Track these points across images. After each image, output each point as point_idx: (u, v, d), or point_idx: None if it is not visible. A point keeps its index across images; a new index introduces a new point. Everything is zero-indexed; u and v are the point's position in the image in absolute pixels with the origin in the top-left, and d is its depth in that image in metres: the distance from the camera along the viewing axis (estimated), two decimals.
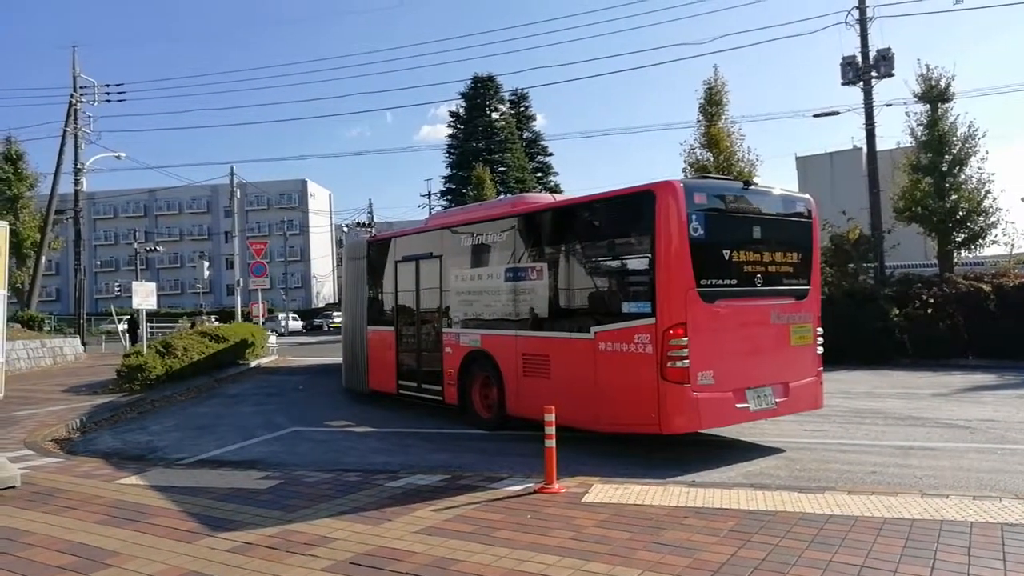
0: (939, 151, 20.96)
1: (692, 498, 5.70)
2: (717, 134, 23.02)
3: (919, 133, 21.38)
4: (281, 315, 56.65)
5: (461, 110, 53.61)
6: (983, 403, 11.06)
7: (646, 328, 7.34)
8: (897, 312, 17.56)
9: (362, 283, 13.43)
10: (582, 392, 7.96)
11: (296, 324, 58.26)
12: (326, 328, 56.56)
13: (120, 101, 31.54)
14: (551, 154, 56.73)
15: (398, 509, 5.61)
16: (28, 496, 6.43)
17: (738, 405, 7.53)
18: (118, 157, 31.80)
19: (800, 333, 8.25)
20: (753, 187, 8.26)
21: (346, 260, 14.84)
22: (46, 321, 27.16)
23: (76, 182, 29.28)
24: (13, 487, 6.70)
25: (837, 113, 22.97)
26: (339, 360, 15.37)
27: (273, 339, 26.35)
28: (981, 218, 20.88)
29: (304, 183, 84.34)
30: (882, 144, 22.46)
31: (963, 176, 21.05)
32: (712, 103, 23.43)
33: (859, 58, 21.48)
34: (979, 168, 20.99)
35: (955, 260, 22.01)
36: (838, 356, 16.06)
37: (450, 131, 54.16)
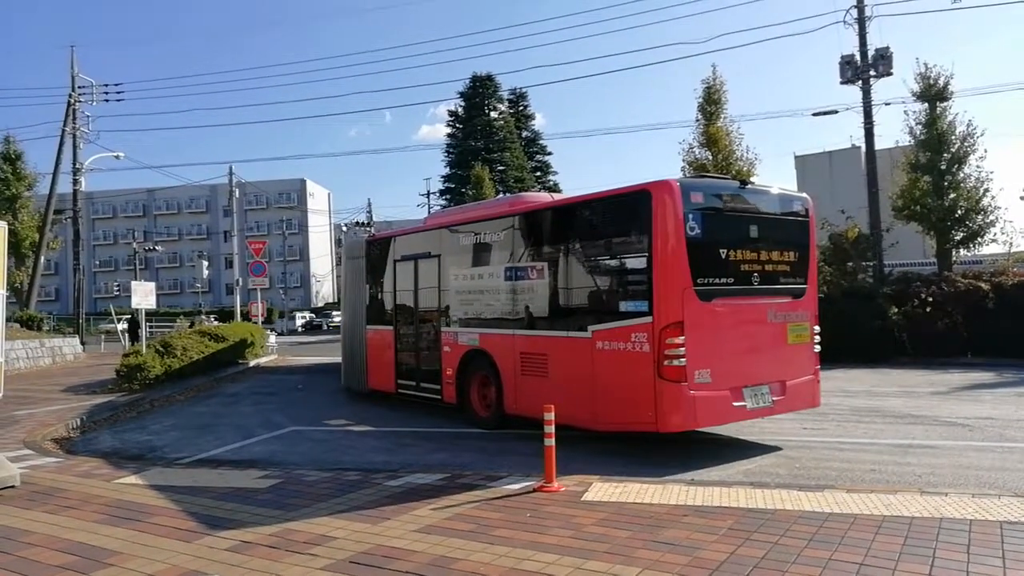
0: (938, 150, 20.98)
1: (691, 496, 5.70)
2: (716, 133, 23.04)
3: (918, 132, 21.40)
4: (299, 314, 56.70)
5: (460, 109, 53.66)
6: (982, 401, 11.07)
7: (643, 327, 7.36)
8: (896, 311, 17.58)
9: (361, 282, 13.44)
10: (580, 391, 7.97)
11: (302, 320, 58.10)
12: (325, 327, 56.56)
13: (118, 101, 31.51)
14: (550, 153, 56.86)
15: (397, 508, 5.61)
16: (28, 495, 6.43)
17: (735, 403, 7.55)
18: (117, 157, 31.79)
19: (797, 332, 8.26)
20: (750, 186, 8.26)
21: (345, 260, 14.86)
22: (45, 321, 27.16)
23: (75, 182, 29.29)
24: (13, 487, 6.70)
25: (836, 112, 23.03)
26: (338, 359, 15.38)
27: (272, 338, 26.35)
28: (980, 216, 20.90)
29: (303, 182, 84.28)
30: (881, 143, 22.53)
31: (962, 175, 21.07)
32: (711, 102, 23.44)
33: (858, 57, 21.49)
34: (978, 166, 21.04)
35: (954, 259, 22.03)
36: (837, 355, 16.09)
37: (449, 130, 54.29)
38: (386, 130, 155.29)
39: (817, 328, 8.57)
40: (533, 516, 5.30)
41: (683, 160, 23.65)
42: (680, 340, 7.12)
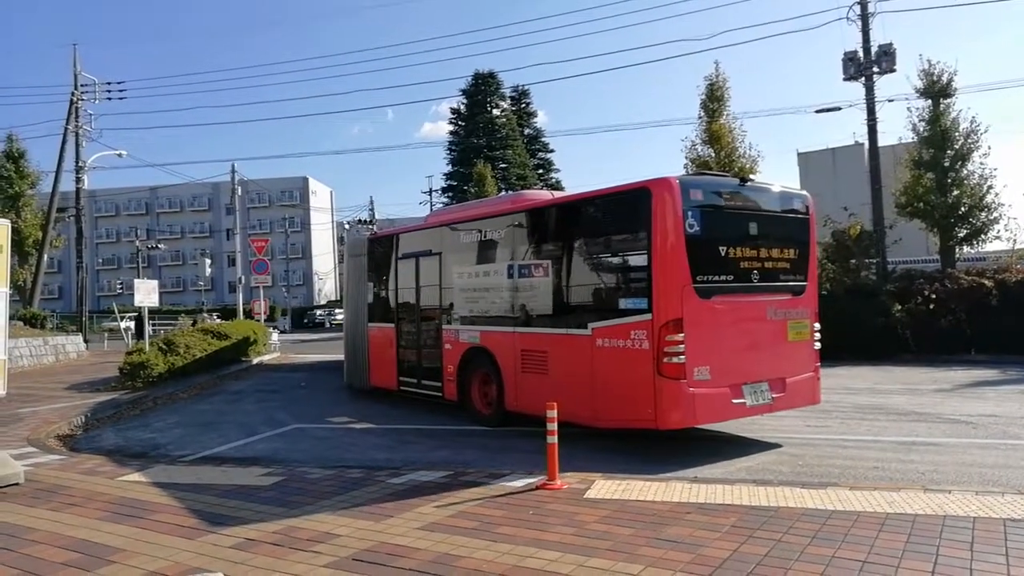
0: (941, 146, 20.91)
1: (694, 494, 5.70)
2: (719, 130, 23.00)
3: (921, 128, 21.33)
4: (318, 312, 56.24)
5: (462, 107, 53.64)
6: (985, 398, 11.05)
7: (643, 324, 7.37)
8: (899, 308, 17.56)
9: (363, 280, 13.47)
10: (580, 388, 7.98)
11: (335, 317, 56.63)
12: (328, 325, 56.57)
13: (121, 99, 31.50)
14: (552, 151, 56.79)
15: (400, 505, 5.62)
16: (31, 493, 6.45)
17: (734, 400, 7.56)
18: (119, 155, 31.84)
19: (797, 329, 8.28)
20: (750, 183, 8.25)
21: (348, 257, 14.89)
22: (48, 319, 27.21)
23: (78, 180, 29.29)
24: (17, 484, 6.71)
25: (839, 109, 22.96)
26: (341, 357, 15.39)
27: (275, 336, 26.38)
28: (983, 213, 20.83)
29: (306, 180, 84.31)
30: (884, 140, 22.44)
31: (965, 171, 21.00)
32: (713, 99, 23.40)
33: (861, 53, 21.43)
34: (981, 163, 20.95)
35: (957, 256, 21.96)
36: (840, 352, 16.10)
37: (451, 128, 54.22)
38: (388, 128, 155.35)
39: (817, 325, 8.57)
40: (536, 514, 5.30)
41: (686, 157, 23.65)
42: (679, 337, 7.13)
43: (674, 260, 7.27)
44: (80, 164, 29.21)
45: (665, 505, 5.42)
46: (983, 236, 21.16)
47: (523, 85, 57.31)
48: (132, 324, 39.23)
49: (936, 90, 20.91)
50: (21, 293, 28.27)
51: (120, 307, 42.10)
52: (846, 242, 20.05)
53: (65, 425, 10.77)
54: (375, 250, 13.21)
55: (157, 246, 62.97)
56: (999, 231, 20.98)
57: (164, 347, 16.08)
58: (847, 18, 21.74)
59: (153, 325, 34.57)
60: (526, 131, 55.27)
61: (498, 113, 53.04)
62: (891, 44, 21.22)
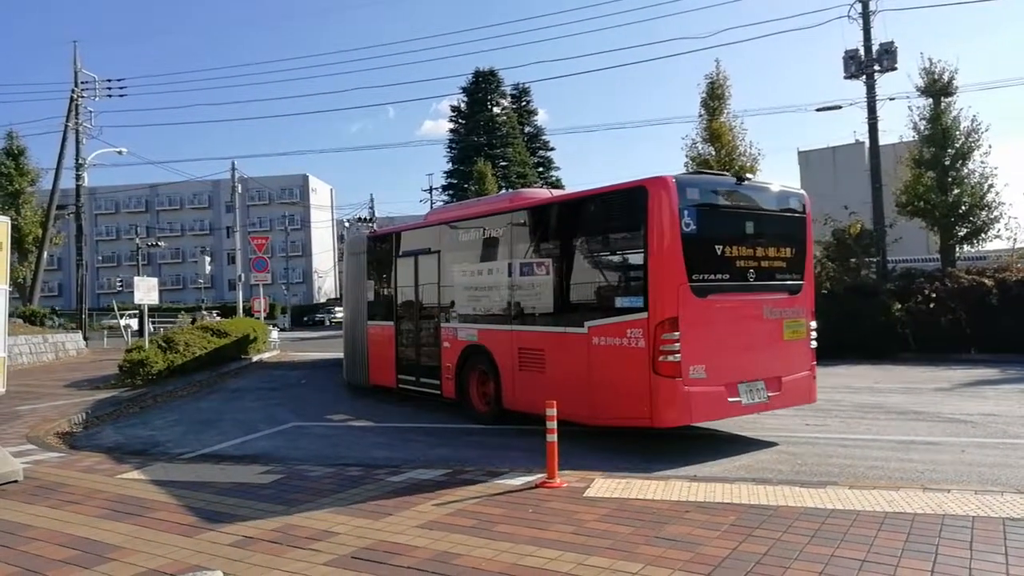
0: (942, 145, 20.89)
1: (694, 492, 5.70)
2: (719, 128, 22.98)
3: (922, 127, 21.30)
4: (339, 309, 56.17)
5: (463, 105, 53.57)
6: (985, 397, 11.05)
7: (638, 322, 7.39)
8: (899, 307, 17.56)
9: (363, 278, 13.50)
10: (576, 386, 8.00)
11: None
12: (327, 323, 56.59)
13: (121, 96, 31.41)
14: (552, 149, 56.73)
15: (399, 503, 5.61)
16: (31, 490, 6.45)
17: (730, 399, 7.58)
18: (119, 152, 31.85)
19: (793, 328, 8.30)
20: (747, 182, 8.26)
21: (347, 255, 14.92)
22: (47, 317, 27.19)
23: (78, 177, 29.30)
24: (16, 481, 6.71)
25: (839, 107, 22.89)
26: (340, 355, 15.40)
27: (275, 334, 26.38)
28: (984, 213, 20.81)
29: (306, 178, 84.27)
30: (885, 138, 22.41)
31: (966, 170, 20.97)
32: (714, 97, 23.37)
33: (862, 52, 21.40)
34: (982, 162, 20.93)
35: (957, 255, 21.94)
36: (840, 350, 16.12)
37: (452, 126, 54.14)
38: (389, 126, 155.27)
39: (814, 324, 8.59)
40: (535, 512, 5.30)
41: (686, 155, 23.61)
42: (675, 336, 7.15)
43: (670, 259, 7.29)
44: (80, 161, 29.21)
45: (664, 503, 5.42)
46: (983, 235, 21.14)
47: (524, 83, 57.43)
48: (133, 321, 39.28)
49: (937, 88, 20.88)
50: (21, 290, 28.26)
51: (120, 305, 42.11)
52: (847, 241, 20.05)
53: (64, 423, 10.77)
54: (374, 248, 13.24)
55: (157, 244, 62.98)
56: (999, 230, 20.98)
57: (164, 345, 16.08)
58: (848, 16, 21.73)
59: (153, 323, 34.59)
60: (526, 129, 55.18)
61: (498, 111, 52.97)
62: (892, 42, 21.21)
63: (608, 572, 4.07)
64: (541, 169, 54.09)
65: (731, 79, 23.59)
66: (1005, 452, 7.44)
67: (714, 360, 7.44)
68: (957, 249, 21.75)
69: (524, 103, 55.95)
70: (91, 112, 29.96)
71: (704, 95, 23.53)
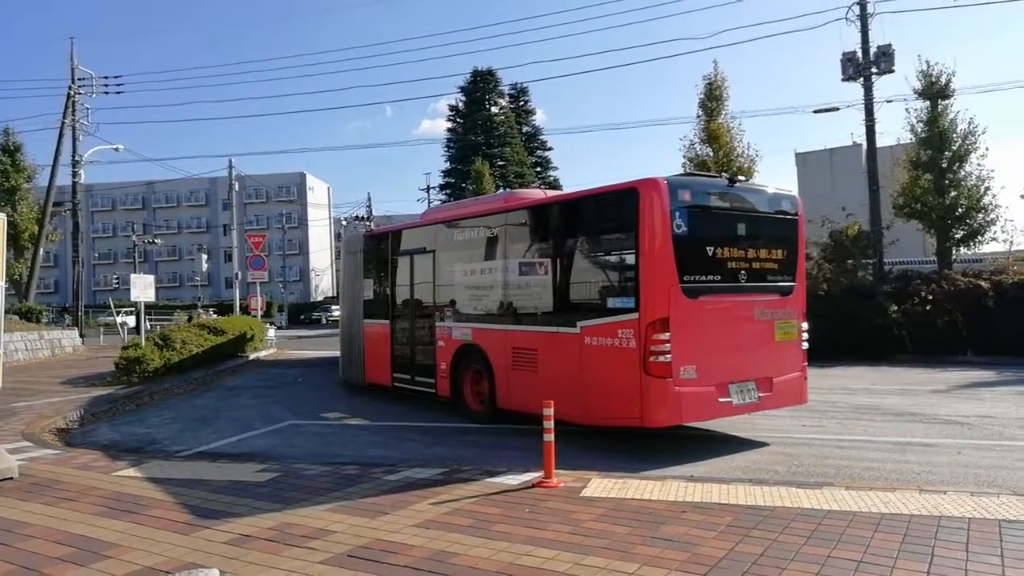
0: (939, 148, 20.95)
1: (690, 493, 5.70)
2: (717, 129, 23.01)
3: (919, 129, 21.36)
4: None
5: (460, 104, 53.50)
6: (981, 399, 11.08)
7: (630, 323, 7.43)
8: (896, 308, 17.59)
9: (359, 277, 13.55)
10: (568, 386, 8.02)
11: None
12: (324, 321, 56.51)
13: (118, 93, 31.24)
14: (550, 148, 56.67)
15: (396, 502, 5.61)
16: (26, 487, 6.43)
17: (720, 399, 7.62)
18: (116, 149, 31.73)
19: (785, 329, 8.34)
20: (738, 184, 8.30)
21: (344, 254, 14.96)
22: (44, 313, 27.13)
23: (74, 174, 29.22)
24: (11, 478, 6.69)
25: (837, 109, 22.95)
26: (337, 353, 15.39)
27: (271, 332, 26.35)
28: (980, 215, 20.88)
29: (303, 176, 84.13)
30: (882, 140, 22.49)
31: (963, 173, 21.05)
32: (712, 98, 23.40)
33: (859, 54, 21.44)
34: (979, 165, 21.01)
35: (954, 257, 22.02)
36: (836, 352, 16.15)
37: (450, 125, 54.08)
38: (386, 124, 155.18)
39: (805, 325, 8.63)
40: (532, 511, 5.30)
41: (684, 156, 23.67)
42: (665, 337, 7.19)
43: (661, 260, 7.34)
44: (77, 158, 29.14)
45: (661, 504, 5.42)
46: (980, 237, 21.22)
47: (522, 83, 57.34)
48: (130, 319, 39.18)
49: (934, 91, 20.93)
50: (17, 287, 28.18)
51: (117, 302, 42.01)
52: (844, 242, 20.08)
53: (60, 420, 10.74)
54: (370, 247, 13.29)
55: (154, 241, 62.84)
56: (996, 232, 21.08)
57: (160, 342, 16.04)
58: (846, 18, 21.79)
59: (149, 320, 34.50)
60: (524, 129, 55.14)
61: (496, 111, 52.92)
62: (890, 45, 21.26)
63: (605, 572, 4.07)
64: (539, 169, 54.06)
65: (729, 80, 23.69)
66: (1001, 454, 7.46)
67: (705, 361, 7.48)
68: (954, 251, 21.83)
69: (522, 103, 55.92)
70: (88, 109, 29.90)
71: (702, 96, 23.58)
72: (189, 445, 9.06)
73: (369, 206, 55.48)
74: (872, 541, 4.48)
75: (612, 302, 7.80)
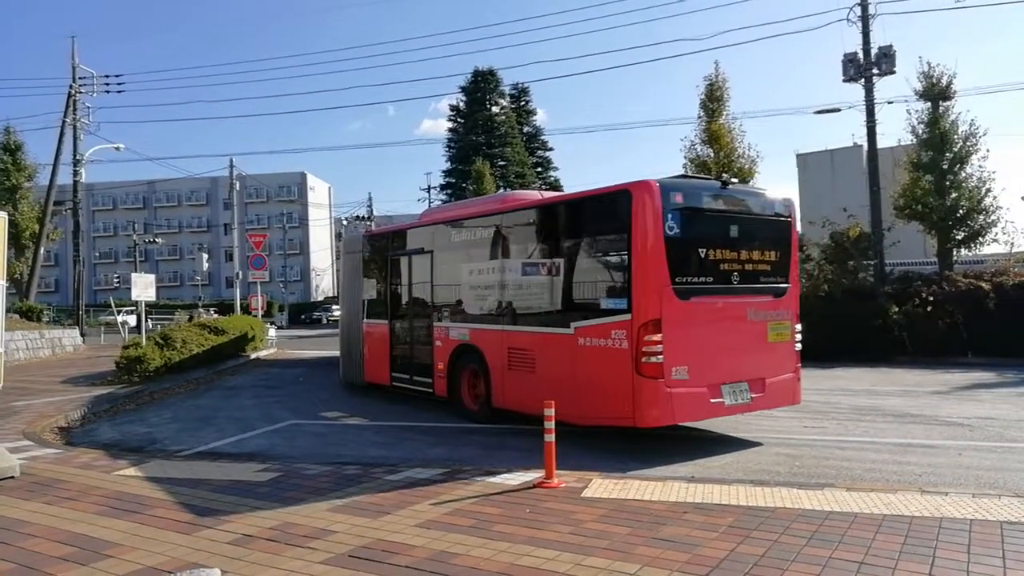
0: (940, 149, 20.94)
1: (691, 494, 5.70)
2: (718, 130, 22.99)
3: (920, 131, 21.36)
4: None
5: (461, 104, 53.46)
6: (982, 401, 11.07)
7: (622, 324, 7.48)
8: (896, 310, 17.58)
9: (358, 277, 13.60)
10: (562, 386, 8.05)
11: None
12: (325, 321, 56.53)
13: (119, 92, 31.23)
14: (551, 149, 56.60)
15: (397, 502, 5.61)
16: (27, 486, 6.43)
17: (712, 400, 7.67)
18: (117, 148, 31.73)
19: (778, 330, 8.38)
20: (731, 187, 8.34)
21: (344, 254, 15.02)
22: (45, 312, 27.13)
23: (75, 173, 29.21)
24: (12, 477, 6.69)
25: (838, 110, 22.89)
26: (337, 353, 15.40)
27: (272, 332, 26.35)
28: (981, 216, 20.87)
29: (304, 176, 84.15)
30: (883, 141, 22.42)
31: (964, 174, 21.04)
32: (713, 99, 23.38)
33: (861, 55, 21.41)
34: (980, 166, 21.01)
35: (955, 258, 22.00)
36: (837, 353, 16.16)
37: (451, 125, 54.06)
38: (387, 124, 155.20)
39: (799, 327, 8.68)
40: (533, 512, 5.30)
41: (685, 157, 23.63)
42: (657, 338, 7.25)
43: (653, 261, 7.39)
44: (78, 157, 29.13)
45: (662, 504, 5.43)
46: (981, 239, 21.21)
47: (523, 83, 57.27)
48: (131, 318, 39.20)
49: (935, 92, 20.93)
50: (17, 286, 28.18)
51: (118, 301, 42.06)
52: (844, 244, 20.06)
53: (61, 419, 10.74)
54: (369, 248, 13.37)
55: (154, 240, 62.85)
56: (997, 234, 21.06)
57: (161, 342, 16.05)
58: (847, 19, 21.72)
59: (151, 319, 34.51)
60: (525, 129, 55.08)
61: (497, 111, 52.88)
62: (891, 46, 21.22)
63: (606, 573, 4.08)
64: (540, 169, 54.03)
65: (730, 81, 23.65)
66: (1002, 456, 7.46)
67: (697, 361, 7.53)
68: (955, 253, 21.82)
69: (523, 103, 55.88)
70: (89, 108, 29.89)
71: (703, 97, 23.55)
72: (190, 445, 9.06)
73: (370, 206, 55.55)
74: (873, 542, 4.48)
75: (605, 303, 7.88)
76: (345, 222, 55.19)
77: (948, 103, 21.02)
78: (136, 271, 35.19)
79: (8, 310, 16.88)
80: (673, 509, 5.30)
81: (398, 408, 11.54)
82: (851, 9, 21.62)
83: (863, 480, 6.49)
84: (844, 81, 21.78)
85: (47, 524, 5.28)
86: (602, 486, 5.98)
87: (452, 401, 10.49)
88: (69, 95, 28.89)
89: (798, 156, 48.43)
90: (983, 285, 17.24)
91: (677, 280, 7.46)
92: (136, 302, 18.45)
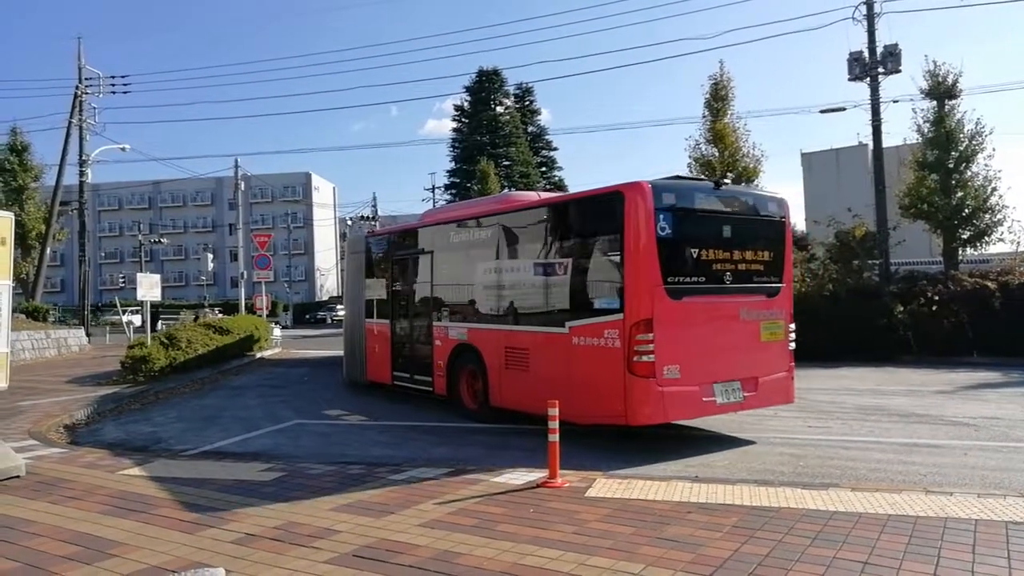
0: (946, 148, 20.86)
1: (695, 493, 5.70)
2: (722, 129, 22.95)
3: (926, 130, 21.27)
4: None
5: (466, 104, 53.48)
6: (987, 401, 11.03)
7: (615, 323, 7.55)
8: (902, 309, 17.53)
9: (361, 277, 13.72)
10: (557, 384, 8.09)
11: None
12: (329, 321, 56.64)
13: (125, 93, 31.29)
14: (555, 149, 56.66)
15: (401, 502, 5.62)
16: (32, 486, 6.46)
17: (704, 398, 7.71)
18: (123, 149, 31.86)
19: (771, 329, 8.41)
20: (724, 187, 8.37)
21: (348, 254, 15.12)
22: (51, 312, 27.21)
23: (81, 173, 29.31)
24: (18, 476, 6.72)
25: (843, 109, 22.83)
26: (341, 353, 15.44)
27: (277, 331, 26.40)
28: (987, 215, 20.78)
29: (308, 176, 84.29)
30: (888, 141, 22.44)
31: (969, 173, 20.95)
32: (718, 98, 23.34)
33: (866, 54, 21.35)
34: (986, 165, 20.90)
35: (960, 257, 21.90)
36: (842, 353, 16.13)
37: (455, 125, 54.09)
38: (392, 124, 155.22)
39: (792, 326, 8.71)
40: (536, 511, 5.30)
41: (690, 156, 23.60)
42: (649, 337, 7.30)
43: (645, 262, 7.44)
44: (84, 157, 29.22)
45: (666, 504, 5.42)
46: (987, 238, 21.12)
47: (527, 83, 57.27)
48: (136, 318, 39.31)
49: (941, 91, 20.84)
50: (24, 286, 28.29)
51: (123, 301, 42.16)
52: (850, 243, 20.03)
53: (66, 418, 10.78)
54: (372, 248, 13.48)
55: (160, 240, 63.07)
56: (1003, 233, 20.96)
57: (166, 341, 16.10)
58: (853, 18, 21.67)
59: (161, 319, 34.57)
60: (529, 129, 55.07)
61: (502, 111, 52.88)
62: (896, 45, 21.16)
63: (609, 572, 4.07)
64: (544, 169, 54.02)
65: (735, 80, 23.58)
66: (1008, 456, 7.43)
67: (688, 360, 7.57)
68: (960, 252, 21.72)
69: (527, 103, 55.88)
70: (95, 108, 29.95)
71: (708, 96, 23.51)
72: (194, 444, 9.08)
73: (374, 206, 55.65)
74: (878, 542, 4.46)
75: (598, 303, 7.95)
76: (350, 222, 55.34)
77: (954, 102, 20.93)
78: (141, 271, 35.32)
79: (14, 310, 16.96)
80: (677, 509, 5.29)
81: (401, 408, 11.56)
82: (857, 7, 21.57)
83: (868, 480, 6.47)
84: (849, 80, 21.73)
85: (52, 523, 5.30)
86: (606, 486, 5.97)
87: (451, 400, 10.56)
88: (75, 96, 28.98)
89: (803, 155, 48.42)
90: (989, 284, 17.17)
91: (669, 280, 7.51)
92: (142, 302, 18.52)
